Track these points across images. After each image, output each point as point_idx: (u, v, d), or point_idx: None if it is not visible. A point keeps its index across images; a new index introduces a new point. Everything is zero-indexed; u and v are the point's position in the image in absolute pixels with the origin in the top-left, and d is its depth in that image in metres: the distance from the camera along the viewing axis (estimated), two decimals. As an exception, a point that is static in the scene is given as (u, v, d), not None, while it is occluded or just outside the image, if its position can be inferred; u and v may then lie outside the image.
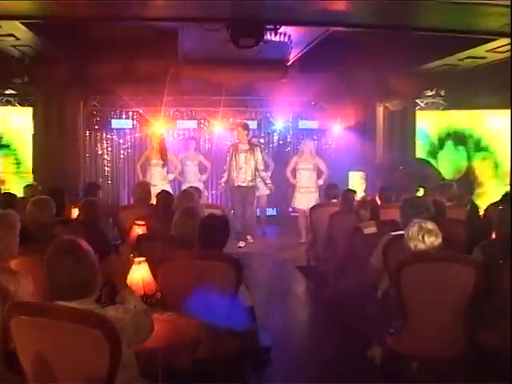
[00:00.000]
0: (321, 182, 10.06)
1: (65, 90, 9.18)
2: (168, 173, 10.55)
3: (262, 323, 5.35)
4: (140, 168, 10.47)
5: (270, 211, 11.96)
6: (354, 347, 5.14)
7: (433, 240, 4.10)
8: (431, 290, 4.02)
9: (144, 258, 3.52)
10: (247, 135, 9.65)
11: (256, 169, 9.62)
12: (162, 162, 10.21)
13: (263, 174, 9.85)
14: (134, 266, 3.40)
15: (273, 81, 9.27)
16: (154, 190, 9.23)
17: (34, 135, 9.26)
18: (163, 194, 6.41)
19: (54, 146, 9.27)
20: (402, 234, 4.64)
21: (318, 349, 5.54)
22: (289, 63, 8.40)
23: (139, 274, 3.44)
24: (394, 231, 4.99)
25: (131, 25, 7.07)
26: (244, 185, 9.61)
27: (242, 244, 9.70)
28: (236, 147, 9.70)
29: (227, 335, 3.94)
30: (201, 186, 10.92)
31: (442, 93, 10.63)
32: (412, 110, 10.13)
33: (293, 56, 8.02)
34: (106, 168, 12.48)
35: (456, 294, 3.99)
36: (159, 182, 10.16)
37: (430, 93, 10.71)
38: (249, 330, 4.22)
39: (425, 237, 4.11)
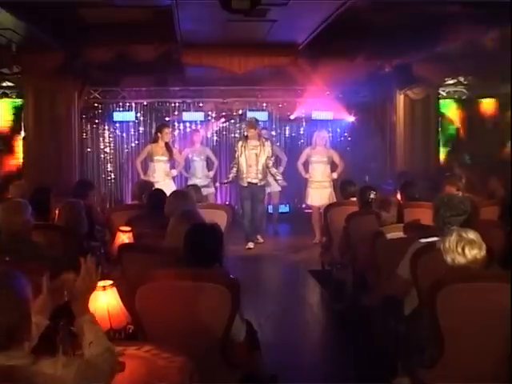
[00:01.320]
0: (335, 175, 9.36)
1: (57, 80, 8.45)
2: (171, 168, 9.80)
3: (269, 340, 4.79)
4: (140, 164, 9.72)
5: (283, 208, 11.41)
6: (375, 373, 4.38)
7: (475, 253, 3.34)
8: (474, 315, 3.24)
9: (111, 282, 2.78)
10: (256, 132, 8.97)
11: (266, 166, 8.99)
12: (165, 158, 9.46)
13: (273, 170, 9.22)
14: (96, 293, 2.66)
15: (283, 66, 8.43)
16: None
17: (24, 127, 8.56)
18: (153, 192, 5.70)
19: (45, 141, 8.61)
20: (434, 242, 3.93)
21: (332, 371, 4.80)
22: (301, 47, 7.55)
23: (104, 302, 2.70)
24: (423, 237, 4.25)
25: (125, 3, 6.32)
26: (254, 182, 8.97)
27: (251, 245, 9.02)
28: (245, 143, 9.01)
29: (222, 371, 3.20)
30: (207, 182, 10.36)
31: (464, 81, 10.00)
32: (435, 97, 9.32)
33: (304, 38, 7.20)
34: (109, 164, 11.91)
35: (505, 320, 3.20)
36: (162, 178, 9.44)
37: (451, 81, 10.10)
38: (249, 362, 3.48)
39: (465, 249, 3.35)
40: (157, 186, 8.85)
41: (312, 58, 8.29)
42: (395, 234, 4.83)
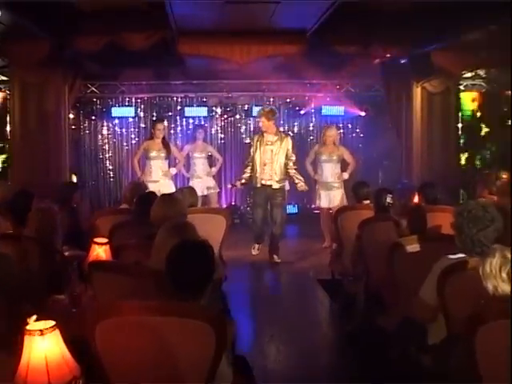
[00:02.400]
0: (346, 175, 8.67)
1: (44, 72, 7.82)
2: (170, 167, 9.16)
3: (271, 367, 4.28)
4: (138, 163, 9.08)
5: (291, 208, 10.89)
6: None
7: (524, 279, 2.65)
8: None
9: (52, 324, 2.10)
10: (274, 124, 7.85)
11: (285, 165, 7.81)
12: (163, 154, 8.81)
13: (293, 171, 7.91)
14: (31, 338, 1.99)
15: (289, 56, 7.73)
16: (155, 188, 8.19)
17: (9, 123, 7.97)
18: (142, 195, 5.08)
19: (32, 138, 7.96)
20: (466, 259, 3.27)
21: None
22: (308, 34, 6.85)
23: (42, 350, 2.04)
24: (451, 252, 3.57)
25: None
26: (270, 184, 7.78)
27: (256, 251, 8.19)
28: (261, 137, 7.84)
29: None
30: (210, 181, 9.75)
31: (483, 73, 9.54)
32: (454, 90, 8.62)
33: (312, 24, 6.50)
34: (108, 162, 11.40)
35: None
36: (160, 177, 8.83)
37: (468, 74, 9.64)
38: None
39: (512, 274, 2.66)
40: (154, 186, 8.42)
41: (321, 47, 7.57)
42: (417, 246, 4.15)
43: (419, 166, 8.87)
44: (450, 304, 3.25)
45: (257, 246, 8.17)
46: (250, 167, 7.89)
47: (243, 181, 8.02)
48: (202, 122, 10.93)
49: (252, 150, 7.88)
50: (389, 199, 5.23)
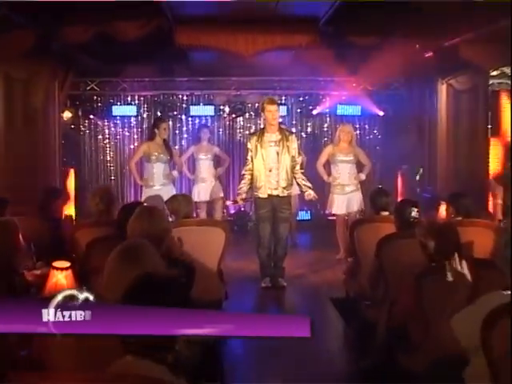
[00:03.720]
0: (363, 176, 8.10)
1: (31, 67, 7.17)
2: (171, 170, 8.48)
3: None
4: (135, 166, 8.44)
5: (303, 215, 10.46)
6: None
7: None
8: None
9: None
10: (277, 117, 6.72)
11: (292, 168, 6.69)
12: (165, 157, 8.07)
13: (300, 175, 6.81)
14: None
15: (300, 47, 7.00)
16: (151, 193, 7.70)
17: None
18: (126, 206, 4.40)
19: (17, 138, 7.34)
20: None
21: None
22: (321, 22, 6.13)
23: None
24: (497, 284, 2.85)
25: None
26: (276, 193, 6.63)
27: (267, 283, 6.76)
28: (261, 137, 6.67)
29: None
30: (216, 185, 9.23)
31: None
32: (484, 87, 7.91)
33: (325, 11, 5.78)
34: (109, 164, 10.88)
35: None
36: (161, 181, 8.05)
37: (494, 72, 8.93)
38: None
39: None
40: (156, 191, 7.85)
41: (335, 38, 6.84)
42: (448, 275, 3.38)
43: (444, 173, 8.17)
44: (497, 348, 2.50)
45: (268, 278, 6.77)
46: (248, 177, 6.70)
47: (243, 195, 6.80)
48: (209, 123, 10.45)
49: (250, 155, 6.66)
50: (414, 213, 4.49)
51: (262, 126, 7.03)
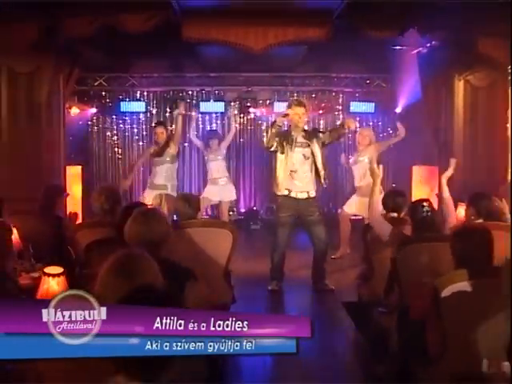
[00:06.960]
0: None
1: (35, 61, 7.01)
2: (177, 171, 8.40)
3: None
4: (138, 168, 8.40)
5: None
6: None
7: None
8: None
9: None
10: (304, 120, 6.37)
11: (317, 170, 6.33)
12: (168, 159, 7.94)
13: (322, 180, 6.44)
14: None
15: (313, 42, 6.75)
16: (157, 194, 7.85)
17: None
18: (126, 206, 4.21)
19: (21, 134, 7.19)
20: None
21: None
22: (335, 15, 5.89)
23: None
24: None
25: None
26: (301, 197, 6.32)
27: (274, 286, 6.54)
28: (286, 138, 6.26)
29: None
30: (228, 187, 9.03)
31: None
32: (504, 84, 7.65)
33: (340, 3, 5.54)
34: (118, 161, 10.81)
35: None
36: (168, 181, 7.94)
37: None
38: None
39: None
40: (157, 192, 7.82)
41: (350, 32, 6.58)
42: (466, 284, 3.14)
43: (461, 173, 7.86)
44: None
45: (275, 282, 6.56)
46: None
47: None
48: (218, 121, 10.41)
49: (278, 154, 6.24)
50: (426, 208, 4.26)
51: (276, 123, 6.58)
